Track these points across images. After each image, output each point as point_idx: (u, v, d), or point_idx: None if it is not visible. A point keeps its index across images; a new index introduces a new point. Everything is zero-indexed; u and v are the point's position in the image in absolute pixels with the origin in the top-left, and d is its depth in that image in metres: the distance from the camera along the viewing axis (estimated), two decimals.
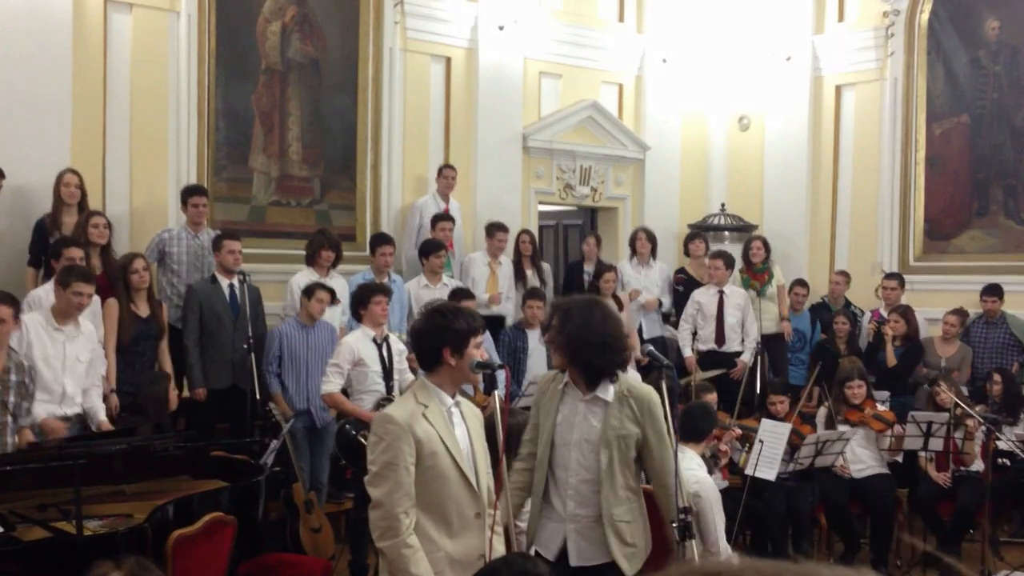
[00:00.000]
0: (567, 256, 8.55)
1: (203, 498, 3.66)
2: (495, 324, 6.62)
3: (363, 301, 4.93)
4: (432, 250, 6.36)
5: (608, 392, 3.01)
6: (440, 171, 7.03)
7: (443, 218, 6.73)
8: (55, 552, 3.16)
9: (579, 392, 3.05)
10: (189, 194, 5.75)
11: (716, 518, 3.76)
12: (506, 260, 7.00)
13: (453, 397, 2.77)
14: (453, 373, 2.73)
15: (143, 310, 5.10)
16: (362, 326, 4.97)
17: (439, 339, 2.71)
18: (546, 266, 7.37)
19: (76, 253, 4.87)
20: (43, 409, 4.29)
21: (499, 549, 2.82)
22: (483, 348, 2.83)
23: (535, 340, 6.24)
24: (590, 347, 2.97)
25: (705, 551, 3.70)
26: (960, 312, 6.81)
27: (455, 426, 2.73)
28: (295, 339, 5.38)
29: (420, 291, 6.23)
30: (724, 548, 3.80)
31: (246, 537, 3.71)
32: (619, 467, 3.00)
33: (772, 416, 5.36)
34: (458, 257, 6.94)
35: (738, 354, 6.72)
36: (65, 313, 4.40)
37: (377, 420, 2.70)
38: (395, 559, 2.57)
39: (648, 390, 3.08)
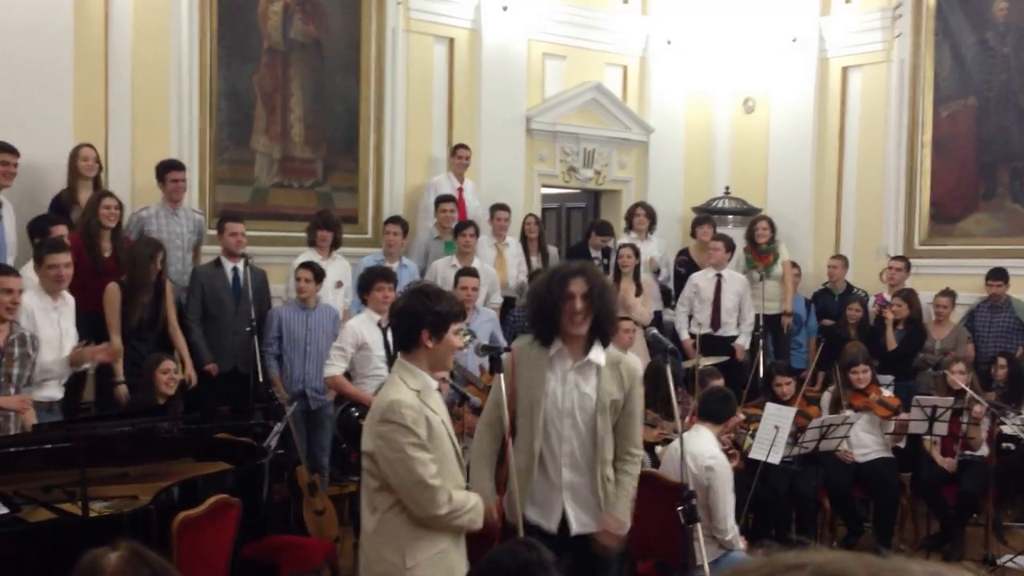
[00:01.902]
0: (569, 239, 8.52)
1: (208, 480, 3.66)
2: (507, 306, 6.59)
3: (366, 287, 4.92)
4: (461, 229, 6.30)
5: (600, 356, 3.01)
6: (454, 150, 7.01)
7: (445, 199, 6.69)
8: (60, 533, 3.16)
9: (568, 361, 3.03)
10: (167, 169, 5.61)
11: (727, 495, 3.78)
12: (513, 240, 6.98)
13: (433, 379, 2.77)
14: (430, 356, 2.71)
15: (147, 298, 5.06)
16: (367, 310, 4.96)
17: (420, 320, 2.69)
18: (553, 250, 7.34)
19: (61, 230, 4.83)
20: (44, 393, 4.28)
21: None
22: (460, 334, 2.82)
23: None
24: (612, 316, 3.04)
25: (712, 527, 3.72)
26: (949, 293, 6.80)
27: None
28: (293, 321, 5.37)
29: (447, 271, 6.14)
30: (732, 526, 3.81)
31: (250, 519, 3.70)
32: (610, 431, 3.05)
33: (778, 398, 5.35)
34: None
35: (733, 338, 6.70)
36: (50, 290, 4.35)
37: (389, 408, 2.65)
38: (457, 516, 2.63)
39: (636, 364, 3.18)
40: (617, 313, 3.11)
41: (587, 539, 3.03)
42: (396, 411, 2.61)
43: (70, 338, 4.41)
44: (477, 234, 6.40)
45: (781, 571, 0.48)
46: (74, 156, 5.29)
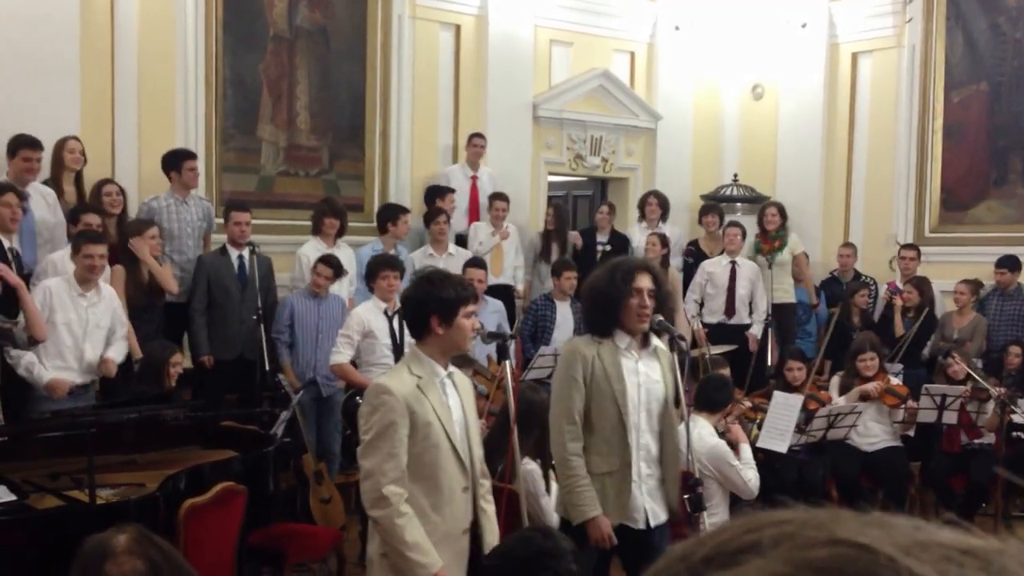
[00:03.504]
0: (576, 227, 8.48)
1: (214, 467, 3.67)
2: (504, 293, 6.60)
3: (372, 275, 4.91)
4: (432, 218, 6.30)
5: (660, 344, 3.06)
6: (470, 139, 7.02)
7: (447, 191, 6.69)
8: (68, 520, 3.18)
9: (635, 353, 3.06)
10: (182, 158, 5.61)
11: (733, 467, 3.78)
12: (513, 229, 6.97)
13: (445, 368, 2.73)
14: (442, 343, 2.68)
15: (146, 276, 5.10)
16: (374, 297, 4.95)
17: (427, 307, 2.65)
18: (574, 234, 7.32)
19: (93, 219, 4.86)
20: (63, 377, 4.34)
21: (490, 522, 2.80)
22: (475, 318, 2.77)
23: (564, 311, 6.19)
24: (672, 311, 3.10)
25: (742, 494, 3.77)
26: (971, 282, 6.72)
27: (448, 397, 2.70)
28: (305, 309, 5.37)
29: (424, 260, 6.17)
30: (755, 485, 3.80)
31: (256, 507, 3.71)
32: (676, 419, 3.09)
33: (789, 383, 5.33)
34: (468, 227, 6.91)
35: (747, 327, 6.67)
36: (84, 279, 4.41)
37: (371, 391, 2.66)
38: (389, 529, 2.55)
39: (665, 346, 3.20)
40: (676, 308, 3.14)
41: (656, 531, 3.05)
42: (376, 394, 2.60)
43: (102, 329, 4.48)
44: (448, 220, 6.40)
45: (767, 526, 0.48)
46: (60, 147, 5.26)
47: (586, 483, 2.94)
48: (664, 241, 6.73)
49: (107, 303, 4.53)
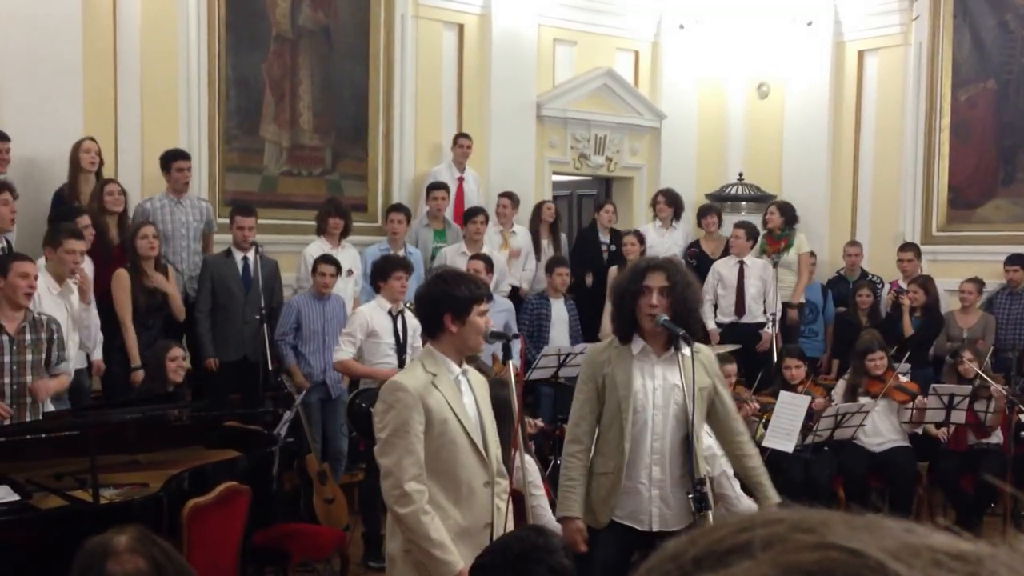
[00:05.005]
0: (580, 227, 8.46)
1: (218, 467, 3.66)
2: (512, 296, 6.57)
3: (383, 275, 4.89)
4: (471, 216, 6.26)
5: (687, 348, 2.96)
6: (455, 140, 6.96)
7: (437, 187, 6.63)
8: (72, 520, 3.17)
9: (653, 355, 3.00)
10: (172, 159, 5.60)
11: (728, 473, 3.75)
12: (521, 229, 6.94)
13: (460, 365, 2.72)
14: (456, 341, 2.67)
15: (152, 282, 5.08)
16: (379, 297, 4.94)
17: (441, 306, 2.66)
18: (563, 236, 7.32)
19: (85, 221, 4.84)
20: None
21: (509, 520, 2.78)
22: (488, 316, 2.77)
23: (559, 309, 6.17)
24: (693, 311, 2.97)
25: (729, 509, 3.70)
26: (976, 280, 6.68)
27: (463, 394, 2.70)
28: (311, 311, 5.35)
29: (457, 258, 6.11)
30: (747, 502, 3.76)
31: (260, 507, 3.70)
32: (702, 423, 3.02)
33: (787, 381, 5.30)
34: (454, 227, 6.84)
35: (760, 325, 6.62)
36: (61, 274, 4.35)
37: (386, 388, 2.65)
38: (414, 526, 2.54)
39: (711, 353, 3.17)
40: (699, 309, 3.04)
41: (668, 536, 2.96)
42: (390, 392, 2.60)
43: (76, 327, 4.47)
44: (487, 221, 6.37)
45: (759, 526, 0.48)
46: (76, 150, 5.27)
47: (571, 484, 2.99)
48: (641, 239, 6.70)
49: (75, 298, 4.50)
